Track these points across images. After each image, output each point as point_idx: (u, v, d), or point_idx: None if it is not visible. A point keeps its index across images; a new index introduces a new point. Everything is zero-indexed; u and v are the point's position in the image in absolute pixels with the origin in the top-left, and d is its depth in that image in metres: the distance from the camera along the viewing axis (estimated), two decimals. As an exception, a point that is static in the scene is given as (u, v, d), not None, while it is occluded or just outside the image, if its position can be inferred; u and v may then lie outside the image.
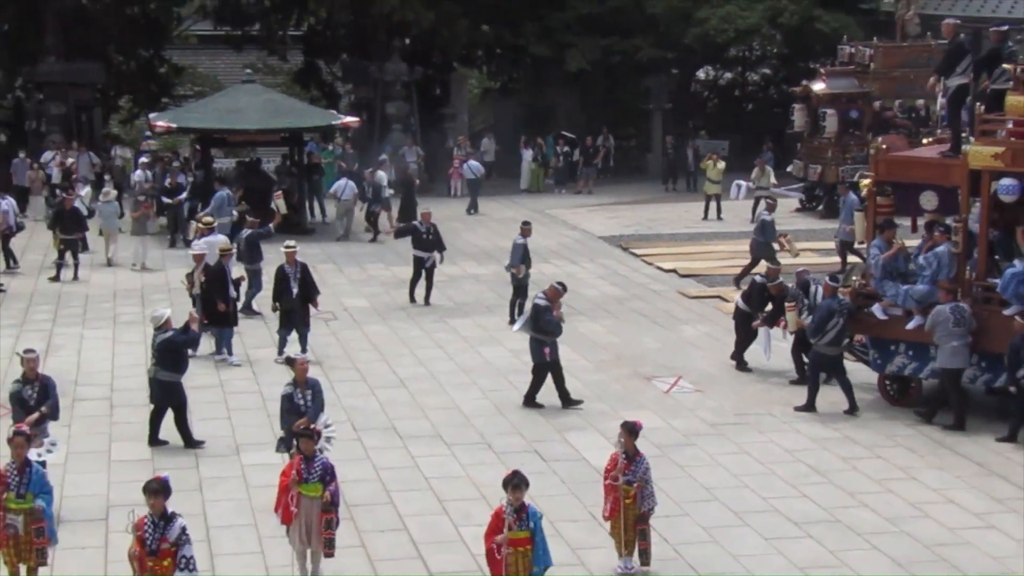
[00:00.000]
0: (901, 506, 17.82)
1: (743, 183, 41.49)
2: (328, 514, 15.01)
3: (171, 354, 20.15)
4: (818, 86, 38.78)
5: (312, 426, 16.16)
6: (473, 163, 46.14)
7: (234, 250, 27.22)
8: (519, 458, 18.70)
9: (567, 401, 22.19)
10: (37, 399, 17.64)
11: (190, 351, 21.17)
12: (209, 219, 30.72)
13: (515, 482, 13.54)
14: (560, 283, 22.86)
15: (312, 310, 25.31)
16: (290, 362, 18.24)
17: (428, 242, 29.85)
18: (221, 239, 28.32)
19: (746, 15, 48.24)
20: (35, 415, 17.28)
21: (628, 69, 51.23)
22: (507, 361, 25.08)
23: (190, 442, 20.09)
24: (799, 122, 39.96)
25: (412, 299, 29.90)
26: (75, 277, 32.56)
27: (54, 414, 17.86)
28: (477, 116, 59.23)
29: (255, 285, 28.37)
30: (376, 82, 51.54)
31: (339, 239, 38.71)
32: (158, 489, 13.14)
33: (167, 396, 20.13)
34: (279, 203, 34.25)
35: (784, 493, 18.27)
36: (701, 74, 58.17)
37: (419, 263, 29.93)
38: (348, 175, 41.38)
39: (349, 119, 43.64)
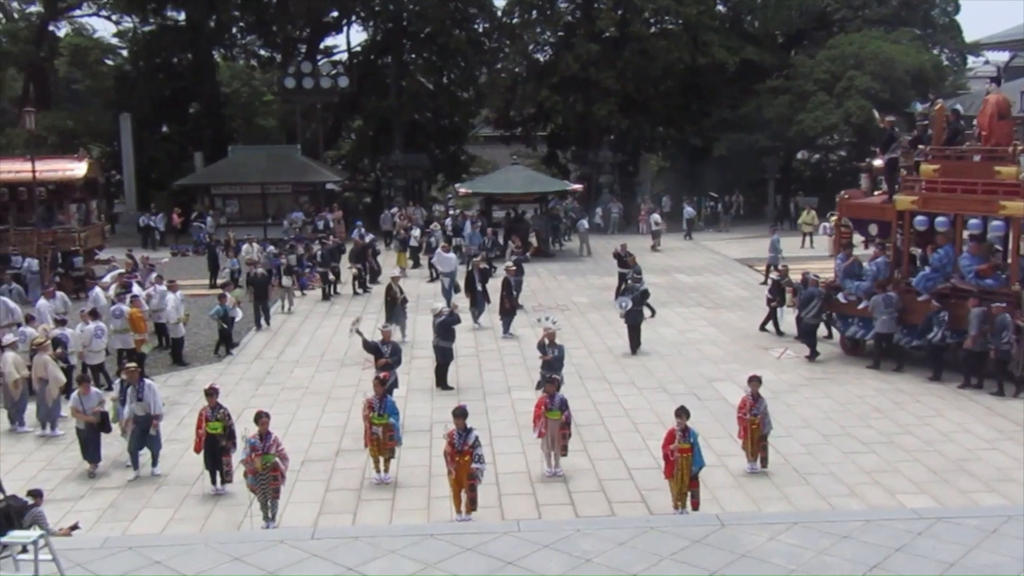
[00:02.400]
0: (934, 433, 17.00)
1: (826, 224, 40.19)
2: (564, 429, 15.02)
3: (446, 330, 20.36)
4: (876, 162, 37.16)
5: (554, 376, 16.20)
6: (689, 208, 46.37)
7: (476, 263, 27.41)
8: (684, 398, 18.44)
9: (636, 349, 23.03)
10: (389, 354, 18.11)
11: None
12: (445, 244, 31.06)
13: (681, 412, 13.38)
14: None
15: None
16: (546, 330, 18.38)
17: (626, 263, 29.67)
18: (453, 258, 29.07)
19: (829, 117, 46.75)
20: (383, 361, 17.84)
21: (752, 152, 50.08)
22: (674, 336, 24.73)
23: (445, 385, 20.17)
24: (864, 186, 38.38)
25: (617, 297, 29.70)
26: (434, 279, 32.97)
27: (397, 362, 18.33)
28: (656, 183, 58.56)
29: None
30: (592, 162, 51.62)
31: (582, 256, 39.14)
32: (460, 413, 13.33)
33: (444, 356, 20.35)
34: (533, 239, 34.44)
35: (855, 423, 17.60)
36: (799, 155, 56.45)
37: (621, 276, 29.70)
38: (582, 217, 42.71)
39: (576, 186, 44.06)
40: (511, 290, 25.54)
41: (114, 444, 16.11)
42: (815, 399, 19.18)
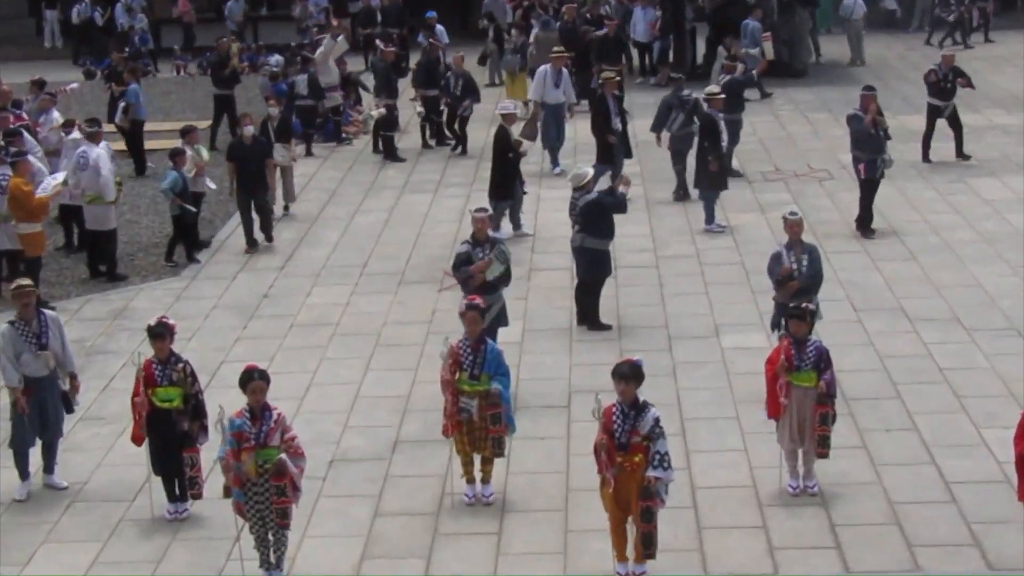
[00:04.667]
0: None
1: None
2: (822, 407, 14.87)
3: (597, 218, 20.25)
4: None
5: (804, 305, 16.03)
6: None
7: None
8: (1058, 348, 18.21)
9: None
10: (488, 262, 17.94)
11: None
12: (561, 54, 30.87)
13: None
14: (869, 86, 25.35)
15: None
16: (785, 219, 18.10)
17: (947, 90, 29.02)
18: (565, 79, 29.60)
19: None
20: (477, 267, 17.78)
21: None
22: (1037, 232, 24.40)
23: (595, 322, 20.28)
24: None
25: (925, 156, 29.21)
26: None
27: (504, 277, 18.14)
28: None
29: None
30: None
31: (849, 64, 38.64)
32: (628, 374, 13.22)
33: (594, 267, 20.31)
34: (766, 46, 34.05)
35: None
36: None
37: (934, 112, 29.18)
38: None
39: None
40: (717, 140, 25.26)
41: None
42: None
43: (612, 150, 26.29)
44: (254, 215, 24.99)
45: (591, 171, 21.35)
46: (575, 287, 20.72)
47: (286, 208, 27.33)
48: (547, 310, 20.99)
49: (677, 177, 27.16)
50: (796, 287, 17.43)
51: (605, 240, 20.44)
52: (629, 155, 27.38)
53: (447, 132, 32.44)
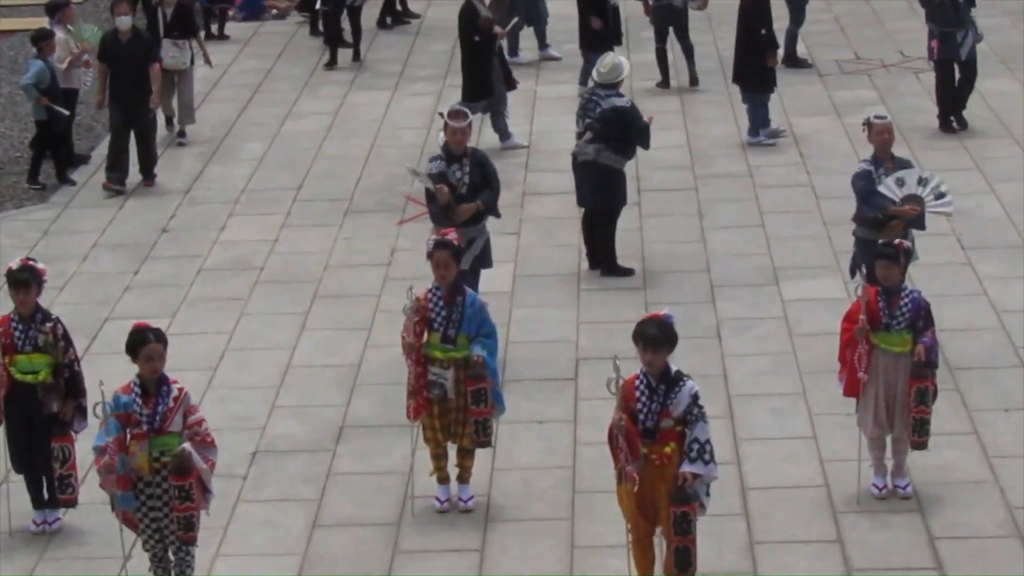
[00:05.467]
0: None
1: None
2: (922, 381, 14.85)
3: (619, 127, 20.22)
4: None
5: (897, 241, 16.01)
6: None
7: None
8: None
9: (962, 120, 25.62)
10: (469, 187, 17.99)
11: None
12: None
13: None
14: None
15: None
16: (870, 125, 17.95)
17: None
18: None
19: None
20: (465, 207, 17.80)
21: None
22: None
23: (610, 265, 20.37)
24: None
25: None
26: None
27: (489, 203, 18.16)
28: None
29: (796, 15, 28.25)
30: None
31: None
32: (656, 336, 13.14)
33: (610, 191, 20.34)
34: None
35: None
36: None
37: None
38: None
39: None
40: (768, 24, 25.19)
41: None
42: None
43: (604, 37, 26.33)
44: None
45: (627, 64, 21.06)
46: (583, 218, 20.77)
47: (180, 132, 26.75)
48: (546, 249, 21.12)
49: (657, 60, 27.81)
50: (901, 227, 17.28)
51: (624, 157, 20.49)
52: (618, 41, 27.38)
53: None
